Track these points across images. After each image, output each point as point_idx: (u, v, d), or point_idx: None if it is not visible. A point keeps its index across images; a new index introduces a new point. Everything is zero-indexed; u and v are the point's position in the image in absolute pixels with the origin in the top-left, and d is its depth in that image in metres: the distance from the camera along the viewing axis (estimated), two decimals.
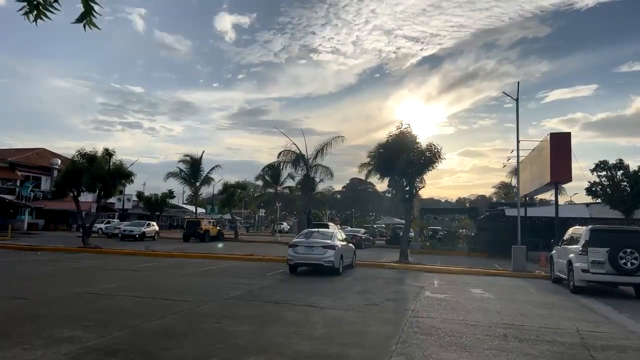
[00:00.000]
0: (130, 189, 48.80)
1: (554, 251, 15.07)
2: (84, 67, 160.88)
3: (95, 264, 16.63)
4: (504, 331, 7.51)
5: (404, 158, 18.25)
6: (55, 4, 3.13)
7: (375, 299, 10.33)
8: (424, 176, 19.35)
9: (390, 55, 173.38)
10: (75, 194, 24.14)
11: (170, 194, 45.68)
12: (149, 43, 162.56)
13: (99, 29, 3.27)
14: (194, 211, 48.74)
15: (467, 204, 76.11)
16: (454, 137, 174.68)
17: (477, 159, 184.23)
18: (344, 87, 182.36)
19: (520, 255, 17.20)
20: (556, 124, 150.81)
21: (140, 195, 46.63)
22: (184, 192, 74.11)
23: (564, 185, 25.47)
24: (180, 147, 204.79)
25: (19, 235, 35.36)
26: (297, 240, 15.26)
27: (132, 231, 35.04)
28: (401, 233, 39.48)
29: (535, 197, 35.03)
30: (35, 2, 3.01)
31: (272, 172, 56.94)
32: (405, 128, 18.63)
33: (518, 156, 18.44)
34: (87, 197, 46.08)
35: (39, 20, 3.07)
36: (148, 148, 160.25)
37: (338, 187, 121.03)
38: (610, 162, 16.17)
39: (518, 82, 17.58)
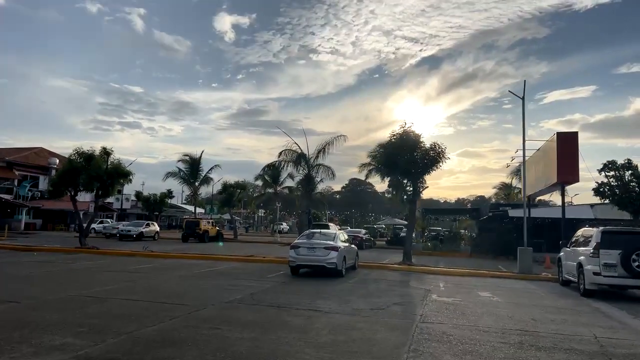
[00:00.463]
0: (129, 189, 48.48)
1: (562, 253, 14.72)
2: (84, 67, 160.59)
3: (91, 265, 16.25)
4: (519, 338, 7.15)
5: (407, 158, 17.89)
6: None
7: (381, 303, 9.96)
8: (427, 176, 18.93)
9: (389, 56, 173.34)
10: (73, 193, 23.74)
11: (169, 194, 45.37)
12: (149, 43, 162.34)
13: None
14: (193, 211, 48.37)
15: (469, 205, 75.80)
16: (453, 137, 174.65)
17: (476, 159, 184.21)
18: (343, 88, 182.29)
19: (527, 257, 16.84)
20: (554, 125, 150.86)
21: (138, 195, 46.28)
22: (182, 191, 73.80)
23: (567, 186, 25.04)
24: (179, 147, 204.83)
25: (15, 235, 34.97)
26: (298, 241, 14.89)
27: (129, 231, 34.66)
28: (401, 234, 39.43)
29: (536, 198, 34.73)
30: None
31: (271, 172, 56.47)
32: (409, 127, 18.27)
33: (524, 156, 18.11)
34: (85, 197, 45.74)
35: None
36: (147, 148, 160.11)
37: (337, 187, 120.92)
38: (618, 162, 15.83)
39: (525, 81, 17.30)
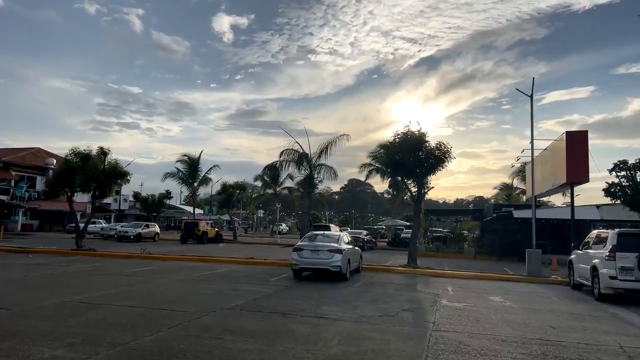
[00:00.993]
0: (127, 190, 47.95)
1: (573, 255, 14.28)
2: (82, 67, 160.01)
3: (87, 267, 15.76)
4: (541, 348, 6.70)
5: (412, 157, 17.43)
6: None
7: (390, 309, 9.50)
8: (432, 177, 18.46)
9: (388, 57, 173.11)
10: (69, 194, 23.25)
11: (168, 195, 44.79)
12: (147, 43, 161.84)
13: None
14: (192, 212, 47.85)
15: (471, 206, 75.38)
16: (452, 138, 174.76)
17: (475, 160, 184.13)
18: (341, 88, 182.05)
19: (536, 260, 16.39)
20: (553, 126, 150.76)
21: (137, 195, 45.70)
22: (181, 192, 73.30)
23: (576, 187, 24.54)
24: (177, 147, 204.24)
25: (12, 236, 34.43)
26: (301, 243, 14.43)
27: (127, 232, 34.14)
28: (402, 234, 39.01)
29: (540, 199, 34.29)
30: None
31: (271, 172, 56.13)
32: (414, 126, 17.79)
33: (532, 155, 17.63)
34: (83, 198, 45.22)
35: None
36: (145, 148, 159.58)
37: (336, 188, 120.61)
38: (629, 162, 15.37)
39: (533, 78, 16.88)
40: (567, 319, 9.22)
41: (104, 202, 44.42)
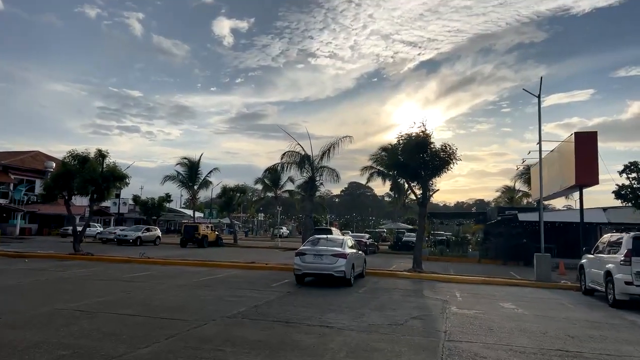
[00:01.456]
0: (127, 193, 47.58)
1: (584, 260, 13.85)
2: (83, 71, 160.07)
3: (84, 273, 15.34)
4: None
5: (416, 159, 17.03)
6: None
7: (398, 317, 9.08)
8: (437, 179, 18.04)
9: (387, 60, 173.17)
10: (67, 197, 22.86)
11: (168, 198, 44.37)
12: (147, 47, 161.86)
13: None
14: (192, 215, 47.43)
15: (475, 209, 74.83)
16: (452, 141, 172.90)
17: (475, 163, 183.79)
18: (341, 92, 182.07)
19: (545, 264, 15.95)
20: (553, 129, 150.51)
21: (136, 199, 45.28)
22: (181, 195, 72.86)
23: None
24: (178, 151, 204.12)
25: (10, 240, 34.01)
26: (304, 247, 14.00)
27: (126, 236, 33.72)
28: (404, 238, 38.57)
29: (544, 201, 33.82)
30: None
31: (272, 175, 55.75)
32: (419, 127, 17.39)
33: (540, 156, 17.23)
34: (82, 201, 44.81)
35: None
36: (146, 152, 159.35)
37: (336, 191, 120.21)
38: None
39: (541, 78, 16.48)
40: (585, 328, 8.80)
41: (103, 205, 43.95)
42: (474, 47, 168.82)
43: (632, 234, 11.24)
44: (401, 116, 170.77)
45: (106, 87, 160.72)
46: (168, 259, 20.86)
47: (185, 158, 42.25)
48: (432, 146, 17.23)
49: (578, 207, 43.47)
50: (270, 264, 19.80)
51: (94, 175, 21.81)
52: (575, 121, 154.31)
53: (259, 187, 59.40)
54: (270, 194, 61.28)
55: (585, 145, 15.89)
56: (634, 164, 14.78)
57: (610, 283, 11.28)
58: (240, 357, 5.94)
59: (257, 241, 50.03)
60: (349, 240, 14.99)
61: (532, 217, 26.48)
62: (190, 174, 41.86)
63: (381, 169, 52.74)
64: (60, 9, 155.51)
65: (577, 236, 25.64)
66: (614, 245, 11.86)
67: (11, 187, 45.41)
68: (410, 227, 46.32)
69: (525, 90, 16.87)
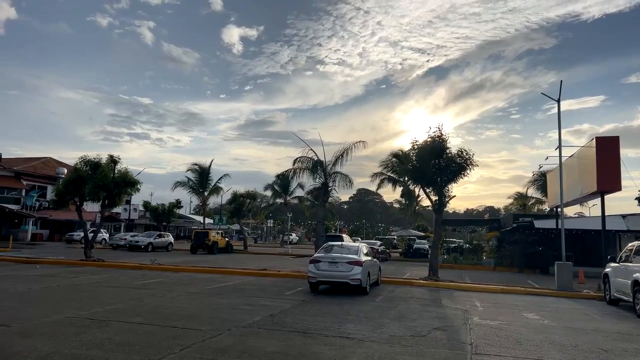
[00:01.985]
0: (137, 199, 47.59)
1: (608, 269, 13.35)
2: (94, 78, 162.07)
3: (95, 279, 15.16)
4: None
5: (432, 165, 16.66)
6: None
7: (419, 328, 8.72)
8: (453, 185, 17.62)
9: (396, 67, 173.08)
10: (78, 203, 22.80)
11: (178, 204, 44.30)
12: (158, 55, 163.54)
13: None
14: (202, 222, 47.32)
15: (487, 216, 73.99)
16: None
17: (484, 170, 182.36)
18: (350, 98, 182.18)
19: (566, 273, 15.44)
20: (563, 135, 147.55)
21: (147, 205, 45.29)
22: (191, 202, 73.03)
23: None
24: (187, 157, 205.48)
25: (21, 246, 34.12)
26: (318, 255, 13.68)
27: (137, 242, 33.68)
28: (415, 245, 38.03)
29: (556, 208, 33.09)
30: None
31: (281, 181, 55.61)
32: (435, 132, 17.03)
33: (560, 162, 16.78)
34: (93, 207, 44.93)
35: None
36: (155, 159, 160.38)
37: (345, 197, 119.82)
38: None
39: (561, 82, 16.10)
40: (616, 340, 8.37)
41: (113, 211, 44.05)
42: (483, 54, 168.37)
43: None
44: (410, 123, 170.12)
45: (117, 95, 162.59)
46: (179, 266, 20.65)
47: (196, 164, 42.24)
48: (448, 151, 16.87)
49: (591, 214, 42.58)
50: (282, 271, 19.50)
51: (105, 181, 21.73)
52: (586, 128, 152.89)
53: (268, 193, 59.37)
54: (279, 201, 61.16)
55: (607, 150, 15.42)
56: None
57: (639, 293, 10.80)
58: None
59: (266, 248, 49.76)
60: (364, 247, 14.64)
61: (549, 224, 25.94)
62: (201, 180, 41.78)
63: (392, 175, 52.52)
64: (72, 18, 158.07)
65: (594, 244, 25.07)
66: None
67: (23, 193, 45.71)
68: (422, 234, 45.74)
69: (544, 95, 16.50)
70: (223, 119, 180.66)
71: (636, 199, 14.41)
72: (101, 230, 44.11)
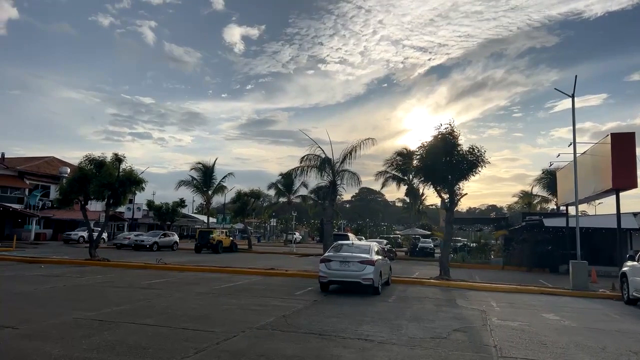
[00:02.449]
0: (140, 199, 47.37)
1: (626, 267, 13.04)
2: (96, 78, 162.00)
3: (101, 279, 14.91)
4: None
5: (443, 162, 16.35)
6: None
7: (439, 329, 8.43)
8: (463, 183, 17.28)
9: (398, 66, 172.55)
10: (82, 202, 22.57)
11: (182, 203, 44.06)
12: (159, 55, 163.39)
13: None
14: (206, 221, 47.10)
15: (493, 214, 73.50)
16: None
17: (486, 168, 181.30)
18: (352, 97, 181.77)
19: (582, 272, 15.13)
20: (565, 134, 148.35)
21: (150, 204, 45.06)
22: (193, 201, 72.70)
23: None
24: (189, 157, 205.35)
25: (25, 245, 33.93)
26: (329, 254, 13.40)
27: (142, 241, 33.49)
28: (419, 244, 37.70)
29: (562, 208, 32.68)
30: None
31: (285, 180, 55.39)
32: (446, 129, 16.69)
33: (575, 157, 16.45)
34: (96, 207, 44.77)
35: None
36: (157, 158, 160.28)
37: (347, 197, 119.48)
38: None
39: (576, 76, 15.74)
40: None
41: (117, 211, 43.83)
42: (484, 52, 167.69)
43: None
44: (412, 122, 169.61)
45: (119, 94, 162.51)
46: (185, 265, 20.40)
47: (200, 163, 41.99)
48: (459, 149, 16.55)
49: (596, 213, 42.11)
50: (290, 270, 19.24)
51: (110, 180, 21.49)
52: (589, 126, 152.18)
53: (271, 192, 59.16)
54: (283, 199, 60.94)
55: (622, 147, 15.08)
56: None
57: None
58: None
59: (270, 247, 49.50)
60: (375, 245, 14.35)
61: (558, 222, 25.58)
62: (205, 178, 41.53)
63: (396, 173, 52.26)
64: (74, 18, 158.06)
65: (604, 242, 24.72)
66: None
67: (26, 193, 45.53)
68: (428, 232, 45.41)
69: (558, 90, 16.17)
70: (225, 119, 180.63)
71: None
72: (98, 228, 43.96)
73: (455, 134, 16.49)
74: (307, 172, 22.81)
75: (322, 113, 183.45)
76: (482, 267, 25.92)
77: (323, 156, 21.17)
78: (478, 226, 39.36)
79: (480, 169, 16.65)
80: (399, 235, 59.19)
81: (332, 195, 21.56)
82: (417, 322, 9.07)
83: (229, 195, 49.43)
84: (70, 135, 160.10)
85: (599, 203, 47.61)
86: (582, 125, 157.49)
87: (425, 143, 17.26)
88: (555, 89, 16.99)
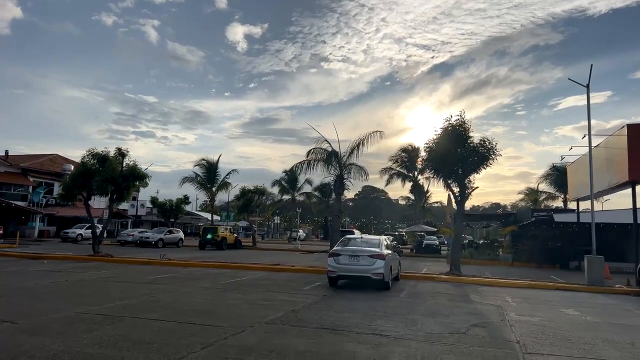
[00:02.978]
0: (143, 196, 47.15)
1: None
2: (99, 77, 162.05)
3: (104, 274, 14.61)
4: None
5: (454, 154, 15.94)
6: None
7: (456, 325, 8.06)
8: (474, 176, 16.87)
9: (401, 64, 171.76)
10: (86, 196, 22.27)
11: (186, 200, 43.77)
12: (162, 53, 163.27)
13: None
14: (209, 218, 46.81)
15: (500, 211, 72.95)
16: None
17: (489, 166, 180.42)
18: (355, 95, 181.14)
19: (598, 267, 14.72)
20: (569, 132, 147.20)
21: (154, 201, 44.80)
22: (197, 198, 72.53)
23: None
24: (192, 155, 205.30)
25: (28, 242, 33.76)
26: (338, 248, 13.03)
27: (148, 238, 33.25)
28: (425, 241, 37.27)
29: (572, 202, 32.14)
30: None
31: (289, 177, 55.03)
32: (456, 121, 16.27)
33: (590, 151, 16.01)
34: (100, 204, 44.56)
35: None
36: (161, 157, 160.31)
37: (350, 195, 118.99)
38: None
39: (591, 66, 15.25)
40: None
41: (120, 208, 43.61)
42: (488, 50, 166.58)
43: None
44: (415, 120, 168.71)
45: (122, 93, 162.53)
46: (189, 261, 20.12)
47: (204, 159, 41.67)
48: (470, 141, 16.13)
49: (603, 208, 41.53)
50: (296, 265, 18.91)
51: (113, 175, 21.18)
52: (593, 123, 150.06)
53: (275, 190, 58.85)
54: (286, 197, 60.59)
55: (639, 138, 14.65)
56: None
57: None
58: None
59: (274, 244, 49.20)
60: (385, 239, 13.97)
61: (569, 218, 25.15)
62: (209, 175, 41.20)
63: (401, 170, 51.88)
64: (77, 17, 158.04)
65: (615, 238, 24.23)
66: None
67: (30, 190, 45.36)
68: (434, 229, 45.00)
69: (572, 80, 15.73)
70: (228, 117, 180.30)
71: None
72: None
73: (466, 126, 16.07)
74: (313, 165, 22.39)
75: (325, 111, 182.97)
76: (491, 264, 25.49)
77: (330, 149, 20.76)
78: (484, 223, 38.86)
79: (491, 161, 16.24)
80: (403, 233, 58.75)
81: (339, 189, 21.16)
82: (432, 317, 8.69)
83: (233, 193, 49.16)
84: (74, 134, 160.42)
85: (606, 200, 47.04)
86: (585, 123, 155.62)
87: (435, 135, 16.86)
88: (569, 79, 16.58)
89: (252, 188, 40.24)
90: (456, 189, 16.90)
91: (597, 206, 53.01)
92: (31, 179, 46.02)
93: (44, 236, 42.71)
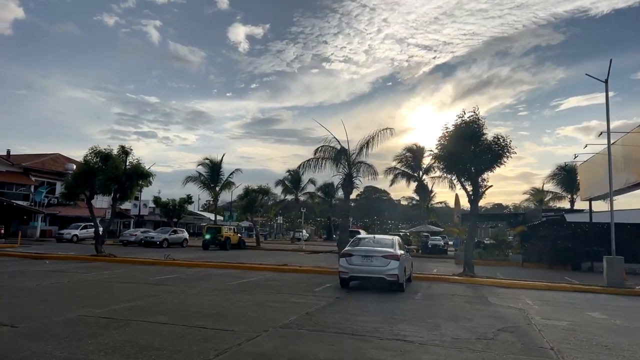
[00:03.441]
0: (146, 196, 46.73)
1: None
2: (101, 78, 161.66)
3: (107, 275, 14.18)
4: None
5: (467, 152, 15.47)
6: None
7: (482, 329, 7.60)
8: (488, 174, 16.40)
9: (402, 64, 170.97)
10: (88, 195, 21.86)
11: (189, 199, 43.36)
12: (164, 54, 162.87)
13: None
14: (212, 218, 46.42)
15: (506, 211, 72.42)
16: None
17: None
18: (356, 96, 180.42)
19: (617, 268, 14.24)
20: (571, 132, 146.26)
21: (157, 200, 44.40)
22: (199, 198, 72.17)
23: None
24: (194, 156, 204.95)
25: (30, 242, 33.41)
26: (350, 248, 12.58)
27: (152, 238, 32.86)
28: (430, 242, 36.79)
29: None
30: None
31: (292, 177, 54.64)
32: (470, 117, 15.80)
33: (609, 150, 15.53)
34: (102, 203, 44.17)
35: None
36: (162, 157, 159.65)
37: (352, 195, 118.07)
38: None
39: (610, 60, 14.82)
40: None
41: (123, 207, 43.20)
42: (490, 50, 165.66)
43: None
44: (416, 120, 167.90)
45: (124, 94, 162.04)
46: (194, 261, 19.69)
47: (207, 158, 41.24)
48: (484, 138, 15.66)
49: (603, 209, 41.04)
50: (303, 266, 18.46)
51: (117, 173, 20.76)
52: (595, 124, 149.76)
53: (278, 190, 58.41)
54: (290, 197, 60.18)
55: None
56: None
57: None
58: None
59: (277, 244, 48.78)
60: (398, 239, 13.51)
61: (581, 218, 24.65)
62: (212, 174, 40.78)
63: (406, 170, 51.39)
64: (79, 17, 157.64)
65: (627, 238, 23.72)
66: None
67: (32, 189, 45.04)
68: (440, 229, 44.51)
69: (589, 75, 15.29)
70: (229, 117, 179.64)
71: None
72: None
73: (480, 122, 15.60)
74: (322, 164, 21.91)
75: (327, 112, 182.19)
76: (501, 264, 25.00)
77: (339, 147, 20.29)
78: (491, 223, 38.37)
79: (506, 159, 15.77)
80: (407, 233, 58.23)
81: (348, 188, 20.70)
82: (454, 322, 8.23)
83: (236, 193, 48.76)
84: (76, 135, 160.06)
85: (614, 200, 46.47)
86: (588, 124, 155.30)
87: (447, 132, 16.37)
88: (586, 74, 16.21)
89: (256, 188, 39.82)
90: (469, 188, 16.43)
91: (606, 206, 52.53)
92: (33, 179, 45.71)
93: (45, 236, 42.34)
